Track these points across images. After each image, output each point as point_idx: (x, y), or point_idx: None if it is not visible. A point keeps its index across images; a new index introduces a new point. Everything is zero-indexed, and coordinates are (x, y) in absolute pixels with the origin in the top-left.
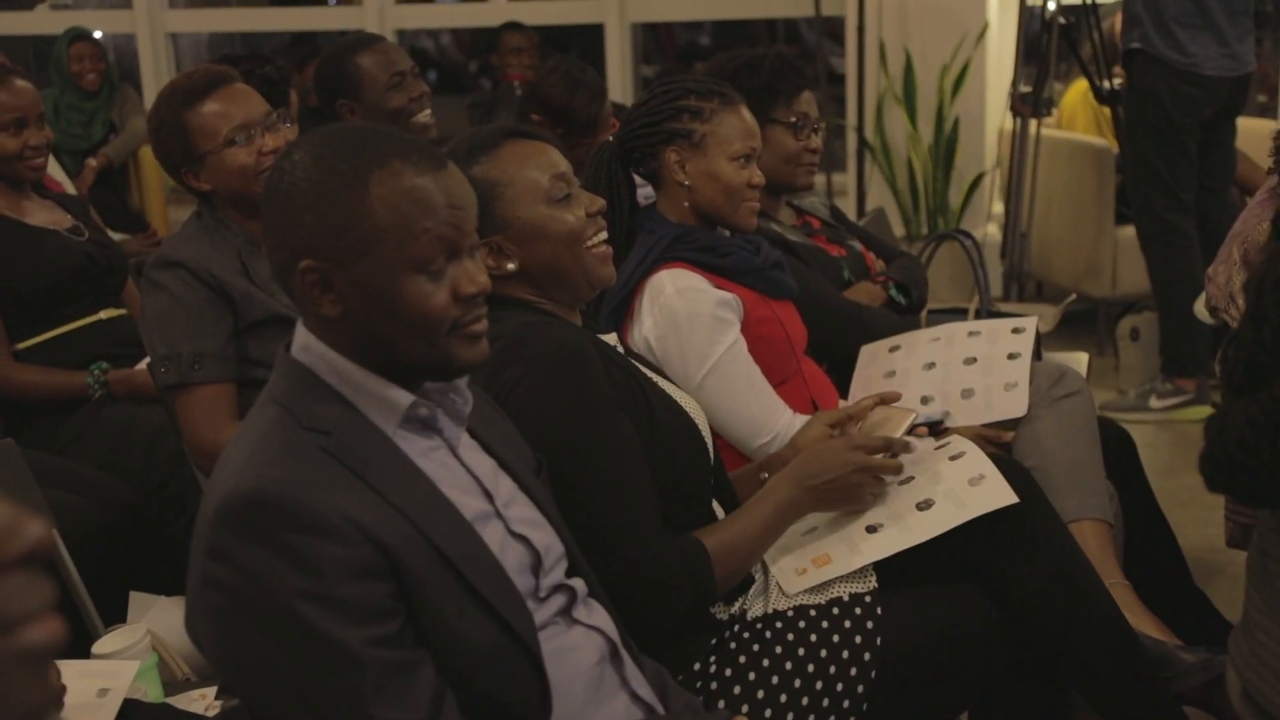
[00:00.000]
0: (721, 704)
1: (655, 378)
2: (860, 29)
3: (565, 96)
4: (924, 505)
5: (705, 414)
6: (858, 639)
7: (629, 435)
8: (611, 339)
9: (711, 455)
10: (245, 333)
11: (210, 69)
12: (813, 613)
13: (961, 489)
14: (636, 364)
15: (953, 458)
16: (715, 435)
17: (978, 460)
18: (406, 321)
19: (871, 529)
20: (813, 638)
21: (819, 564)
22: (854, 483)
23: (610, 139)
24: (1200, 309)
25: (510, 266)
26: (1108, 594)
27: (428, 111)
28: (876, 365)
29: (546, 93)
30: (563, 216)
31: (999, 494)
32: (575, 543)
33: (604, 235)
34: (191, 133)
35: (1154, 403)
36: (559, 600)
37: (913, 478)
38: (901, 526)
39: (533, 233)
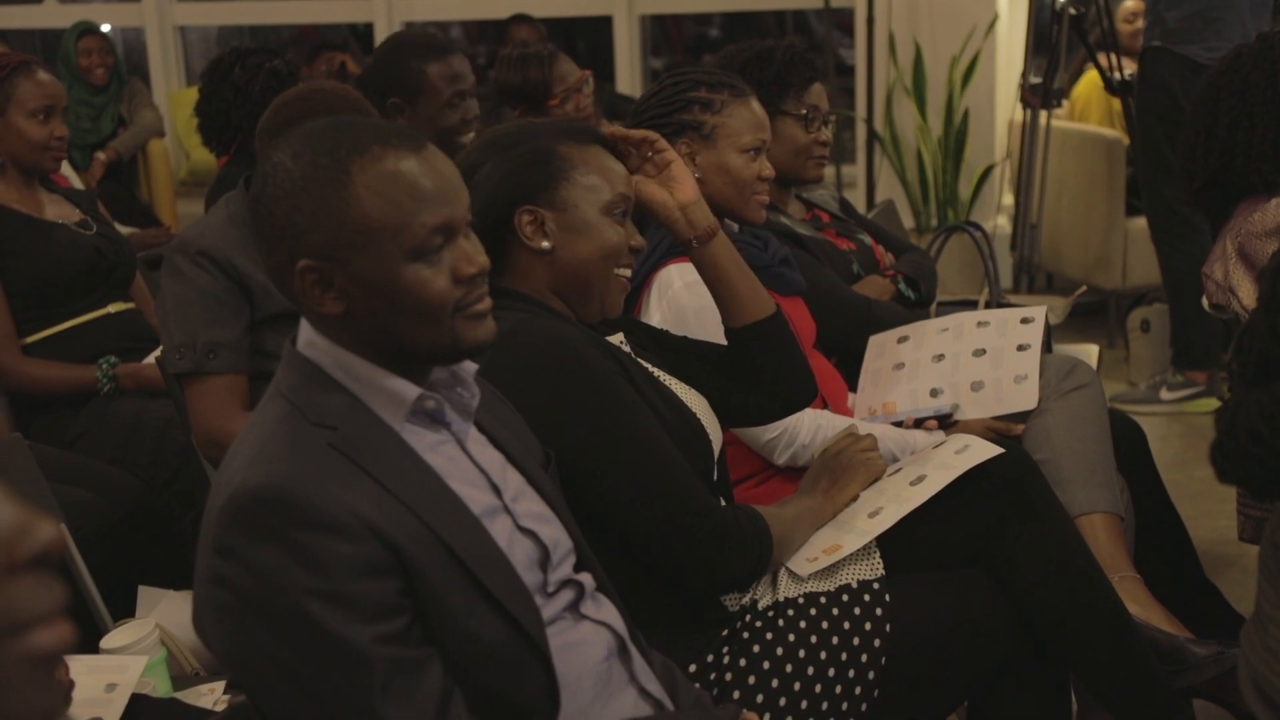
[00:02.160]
0: (736, 694)
1: (665, 376)
2: (870, 20)
3: (519, 75)
4: (917, 480)
5: None
6: (867, 625)
7: (642, 405)
8: (618, 339)
9: (715, 455)
10: (263, 326)
11: (372, 115)
12: (822, 600)
13: (950, 458)
14: (643, 362)
15: (940, 445)
16: (724, 431)
17: (965, 437)
18: (410, 310)
19: (874, 514)
20: (824, 625)
21: (830, 552)
22: (845, 459)
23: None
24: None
25: (545, 245)
26: (1109, 585)
27: (472, 134)
28: (885, 358)
29: (505, 83)
30: (610, 232)
31: (984, 450)
32: (602, 519)
33: (630, 271)
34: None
35: (1165, 395)
36: (567, 595)
37: (901, 468)
38: (900, 501)
39: (581, 227)
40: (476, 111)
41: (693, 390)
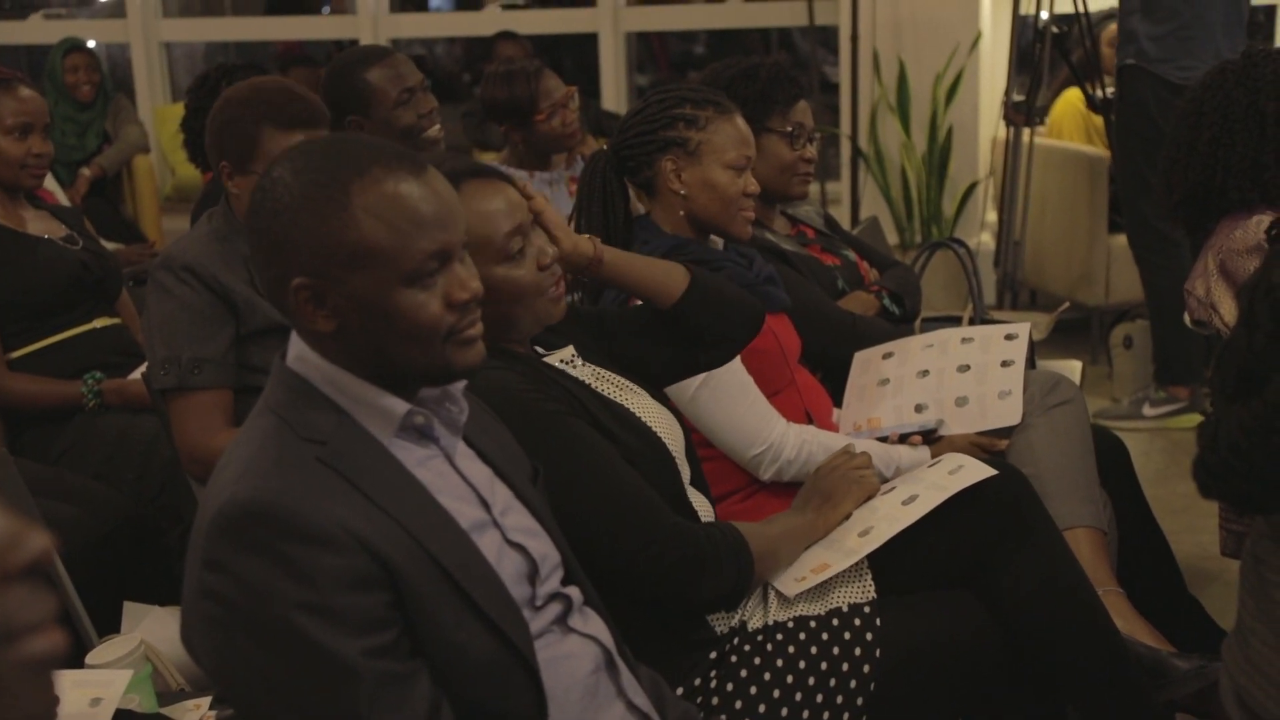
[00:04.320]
0: (724, 718)
1: (630, 393)
2: (854, 38)
3: (506, 92)
4: (909, 500)
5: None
6: (857, 650)
7: (595, 439)
8: (568, 353)
9: (686, 471)
10: (248, 340)
11: (316, 106)
12: (813, 624)
13: (943, 478)
14: (595, 369)
15: (933, 464)
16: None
17: (958, 458)
18: (402, 333)
19: (864, 533)
20: (813, 649)
21: (818, 571)
22: (838, 476)
23: (604, 147)
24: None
25: None
26: (1100, 602)
27: (437, 126)
28: (870, 373)
29: (492, 99)
30: (515, 276)
31: (977, 472)
32: (573, 552)
33: (557, 283)
34: (260, 149)
35: (1147, 410)
36: (555, 609)
37: (894, 487)
38: (891, 520)
39: (485, 284)
40: (433, 104)
41: (645, 394)
